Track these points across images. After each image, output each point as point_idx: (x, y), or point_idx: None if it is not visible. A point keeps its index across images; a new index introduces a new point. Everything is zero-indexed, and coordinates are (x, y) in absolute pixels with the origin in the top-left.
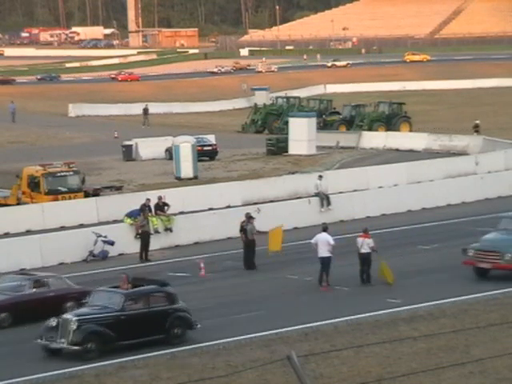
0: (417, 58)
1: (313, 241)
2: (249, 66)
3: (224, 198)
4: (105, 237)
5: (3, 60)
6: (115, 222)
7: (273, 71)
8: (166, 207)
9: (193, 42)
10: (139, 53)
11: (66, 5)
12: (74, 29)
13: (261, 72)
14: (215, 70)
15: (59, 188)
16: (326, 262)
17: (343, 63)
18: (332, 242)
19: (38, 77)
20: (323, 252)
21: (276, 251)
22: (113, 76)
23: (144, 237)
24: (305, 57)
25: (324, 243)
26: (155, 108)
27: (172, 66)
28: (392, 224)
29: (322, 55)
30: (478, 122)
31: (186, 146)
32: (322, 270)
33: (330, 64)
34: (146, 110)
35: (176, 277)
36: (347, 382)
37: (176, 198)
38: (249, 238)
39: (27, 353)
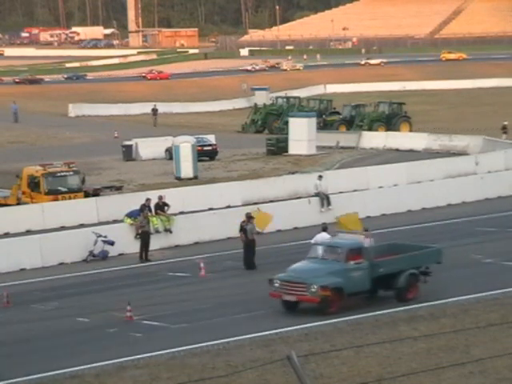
0: (453, 56)
1: (313, 241)
2: (277, 64)
3: (224, 198)
4: (105, 237)
5: (3, 60)
6: (115, 221)
7: (298, 69)
8: (166, 207)
9: (193, 42)
10: (139, 53)
11: (66, 5)
12: (74, 29)
13: (286, 70)
14: (249, 67)
15: (59, 188)
16: None
17: (377, 61)
18: None
19: (65, 76)
20: None
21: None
22: (143, 75)
23: (144, 237)
24: (305, 57)
25: None
26: None
27: (172, 66)
28: (392, 224)
29: (321, 55)
30: (506, 123)
31: (185, 145)
32: None
33: (363, 62)
34: (155, 111)
35: (176, 277)
36: (347, 382)
37: (176, 198)
38: (249, 238)
39: None
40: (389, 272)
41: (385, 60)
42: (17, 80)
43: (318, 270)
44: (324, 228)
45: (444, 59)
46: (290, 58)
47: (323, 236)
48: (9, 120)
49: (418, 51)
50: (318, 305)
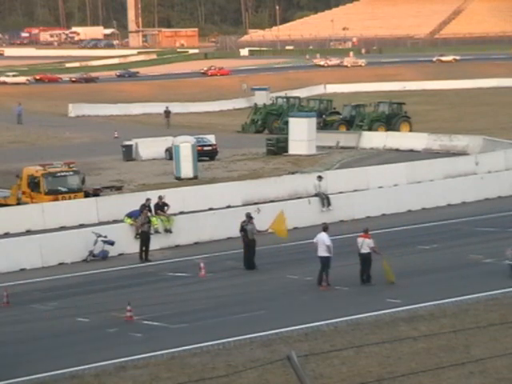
0: None
1: (314, 240)
2: (341, 61)
3: (224, 198)
4: (105, 237)
5: (3, 60)
6: (115, 222)
7: (360, 66)
8: (165, 207)
9: (193, 42)
10: (139, 53)
11: (66, 5)
12: (74, 29)
13: (346, 67)
14: (322, 63)
15: (59, 188)
16: (323, 262)
17: (449, 58)
18: (327, 242)
19: (117, 73)
20: (321, 252)
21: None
22: (203, 71)
23: (144, 237)
24: (307, 57)
25: (322, 243)
26: (155, 108)
27: (172, 66)
28: (392, 224)
29: (321, 55)
30: None
31: (186, 145)
32: (322, 270)
33: (435, 59)
34: (167, 113)
35: (176, 277)
36: (347, 382)
37: (176, 197)
38: (249, 238)
39: None
40: None
41: (457, 57)
42: (73, 79)
43: None
44: (324, 228)
45: None
46: (351, 54)
47: (323, 236)
48: (11, 121)
49: (418, 51)
50: None
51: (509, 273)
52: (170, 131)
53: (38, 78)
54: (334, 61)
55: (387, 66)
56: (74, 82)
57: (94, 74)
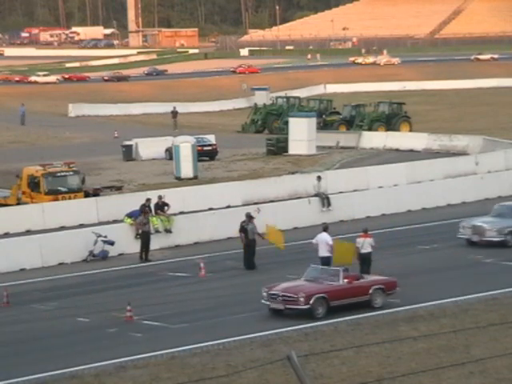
0: None
1: (314, 240)
2: (375, 61)
3: (224, 198)
4: (105, 237)
5: (3, 60)
6: (115, 221)
7: (393, 64)
8: (165, 207)
9: (193, 42)
10: (139, 53)
11: (66, 5)
12: (74, 29)
13: (379, 65)
14: (360, 61)
15: (59, 188)
16: (325, 262)
17: (486, 57)
18: (330, 242)
19: (145, 71)
20: (323, 252)
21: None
22: (232, 69)
23: (144, 237)
24: (309, 56)
25: (323, 243)
26: (156, 108)
27: (172, 66)
28: (392, 224)
29: (321, 55)
30: None
31: (186, 145)
32: None
33: (472, 58)
34: (175, 113)
35: (176, 277)
36: (347, 382)
37: (176, 197)
38: (249, 238)
39: None
40: None
41: (495, 56)
42: (105, 78)
43: None
44: (324, 228)
45: None
46: (385, 52)
47: (323, 236)
48: (12, 121)
49: (418, 51)
50: None
51: (269, 314)
52: (174, 132)
53: (66, 77)
54: (371, 59)
55: (387, 65)
56: (106, 80)
57: (125, 73)
